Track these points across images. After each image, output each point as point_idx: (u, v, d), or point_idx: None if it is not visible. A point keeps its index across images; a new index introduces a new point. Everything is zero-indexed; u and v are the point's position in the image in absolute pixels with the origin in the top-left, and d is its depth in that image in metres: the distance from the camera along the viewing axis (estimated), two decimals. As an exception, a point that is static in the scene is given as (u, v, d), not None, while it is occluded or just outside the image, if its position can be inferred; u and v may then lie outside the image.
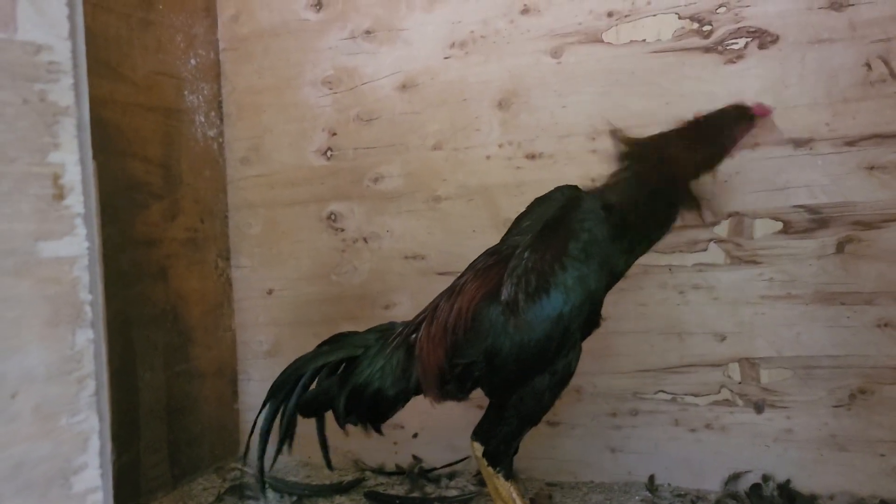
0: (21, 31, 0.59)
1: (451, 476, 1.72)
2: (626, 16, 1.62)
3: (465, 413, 1.73)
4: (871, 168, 1.48)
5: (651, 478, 1.64)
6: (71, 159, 0.61)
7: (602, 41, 1.63)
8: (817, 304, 1.52)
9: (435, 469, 1.75)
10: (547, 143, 1.69)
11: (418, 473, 1.73)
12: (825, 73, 1.49)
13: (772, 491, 1.54)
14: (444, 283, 1.71)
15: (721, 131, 1.24)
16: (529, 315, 1.18)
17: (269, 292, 1.94)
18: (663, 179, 1.22)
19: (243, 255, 1.96)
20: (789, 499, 1.51)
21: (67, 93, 0.61)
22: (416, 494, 1.65)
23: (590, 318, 1.25)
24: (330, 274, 1.88)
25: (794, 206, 1.52)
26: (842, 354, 1.51)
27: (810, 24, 1.49)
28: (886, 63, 1.45)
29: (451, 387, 1.27)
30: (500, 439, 1.26)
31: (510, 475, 1.28)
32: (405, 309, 1.77)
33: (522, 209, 1.69)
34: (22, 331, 0.58)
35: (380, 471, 1.80)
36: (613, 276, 1.24)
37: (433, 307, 1.32)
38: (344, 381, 1.31)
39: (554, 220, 1.25)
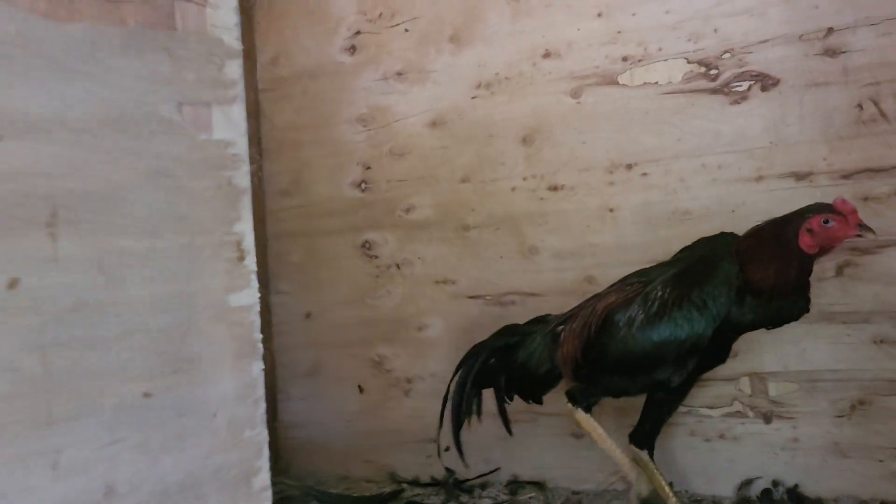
0: (216, 133, 0.76)
1: (484, 486, 1.83)
2: (639, 60, 1.77)
3: (493, 426, 1.86)
4: (866, 199, 1.61)
5: (669, 485, 1.76)
6: (247, 228, 0.78)
7: (618, 83, 1.78)
8: (820, 322, 1.65)
9: (468, 480, 1.86)
10: (568, 176, 1.83)
11: (453, 484, 1.84)
12: (822, 113, 1.63)
13: (781, 495, 1.66)
14: (474, 306, 1.85)
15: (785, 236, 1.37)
16: (639, 333, 1.40)
17: (308, 315, 2.06)
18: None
19: (283, 281, 2.09)
20: (798, 503, 1.63)
21: (245, 177, 0.78)
22: (452, 504, 1.77)
23: (711, 354, 1.44)
24: (365, 298, 2.00)
25: (797, 234, 1.67)
26: (843, 369, 1.64)
27: (807, 69, 1.64)
28: (876, 104, 1.60)
29: (583, 372, 1.49)
30: (648, 422, 1.55)
31: (652, 454, 1.56)
32: (437, 331, 1.90)
33: (547, 236, 1.85)
34: (219, 364, 0.73)
35: (415, 482, 1.91)
36: (737, 325, 1.40)
37: (581, 306, 1.54)
38: (504, 362, 1.56)
39: (695, 266, 1.44)
